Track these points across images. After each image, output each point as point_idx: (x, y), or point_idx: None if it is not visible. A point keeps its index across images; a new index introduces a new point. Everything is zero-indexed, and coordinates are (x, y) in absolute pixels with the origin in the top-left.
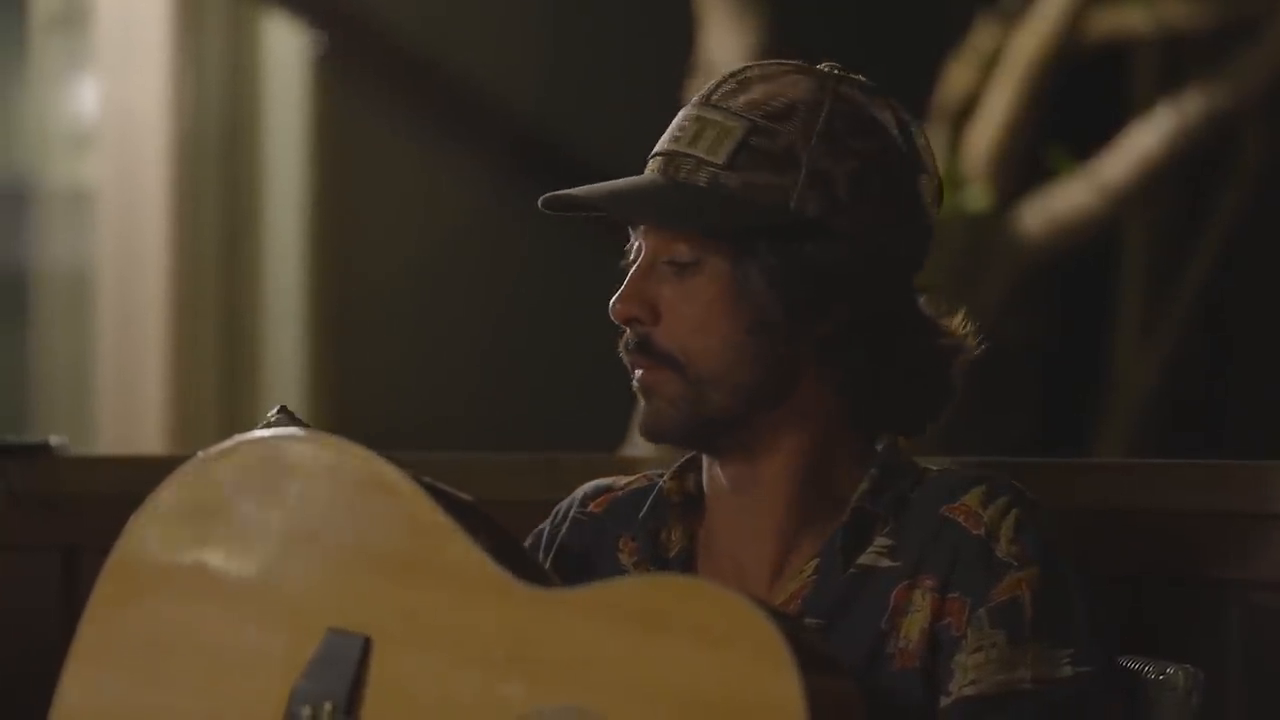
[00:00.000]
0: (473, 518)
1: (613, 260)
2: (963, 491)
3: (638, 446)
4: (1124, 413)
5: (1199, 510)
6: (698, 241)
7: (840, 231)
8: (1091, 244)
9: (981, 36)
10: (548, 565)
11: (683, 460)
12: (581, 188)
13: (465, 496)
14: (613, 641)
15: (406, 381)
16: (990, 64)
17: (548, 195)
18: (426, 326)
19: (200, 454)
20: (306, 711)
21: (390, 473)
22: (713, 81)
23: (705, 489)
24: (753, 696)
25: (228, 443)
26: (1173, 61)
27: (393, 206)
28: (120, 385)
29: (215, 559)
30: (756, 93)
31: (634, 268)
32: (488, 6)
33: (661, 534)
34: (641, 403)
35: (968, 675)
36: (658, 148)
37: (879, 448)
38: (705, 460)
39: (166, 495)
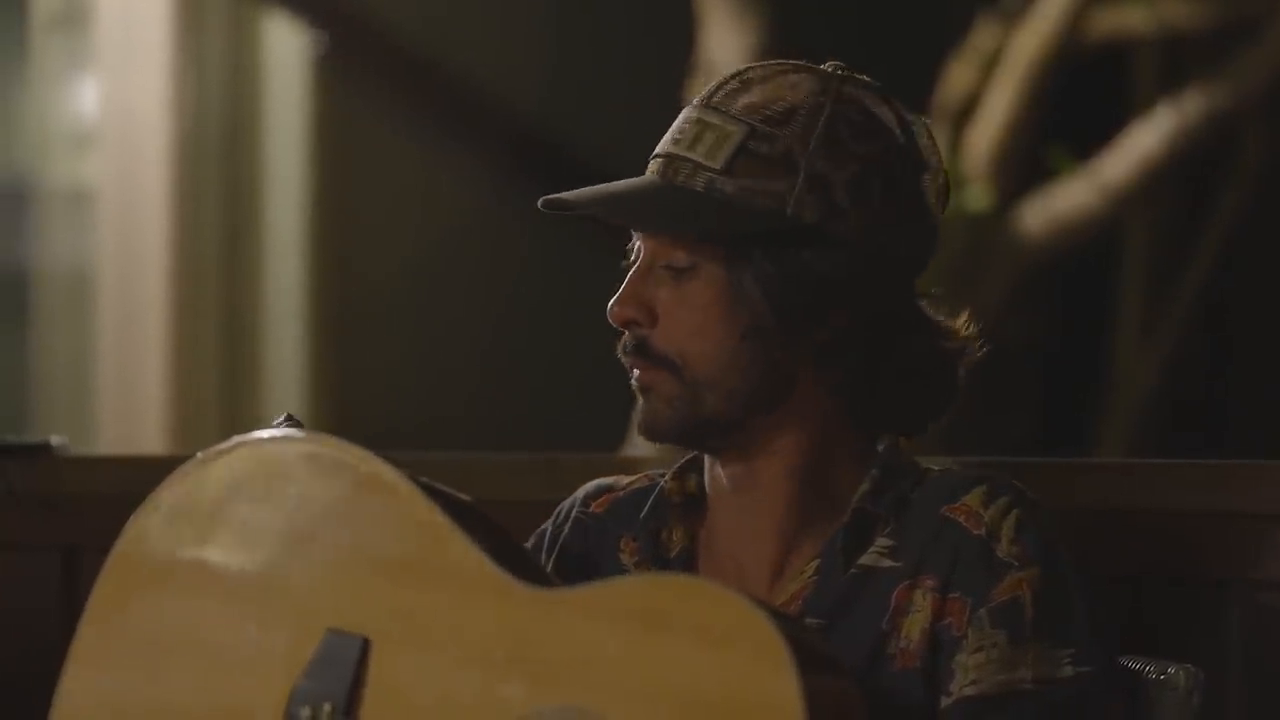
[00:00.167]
0: (472, 518)
1: (613, 260)
2: (964, 492)
3: (638, 446)
4: (1124, 413)
5: (1199, 510)
6: (694, 247)
7: (839, 237)
8: (1092, 244)
9: (982, 36)
10: (550, 565)
11: (684, 460)
12: (581, 190)
13: (464, 497)
14: (613, 641)
15: (406, 381)
16: (991, 64)
17: (547, 198)
18: (426, 326)
19: (200, 454)
20: (306, 712)
21: (389, 473)
22: (714, 82)
23: (707, 489)
24: (753, 696)
25: (227, 443)
26: (1173, 61)
27: (393, 206)
28: (120, 385)
29: (215, 559)
30: (757, 95)
31: (632, 270)
32: (488, 6)
33: (662, 534)
34: (640, 402)
35: (968, 675)
36: (658, 149)
37: (880, 448)
38: (706, 460)
39: (166, 495)
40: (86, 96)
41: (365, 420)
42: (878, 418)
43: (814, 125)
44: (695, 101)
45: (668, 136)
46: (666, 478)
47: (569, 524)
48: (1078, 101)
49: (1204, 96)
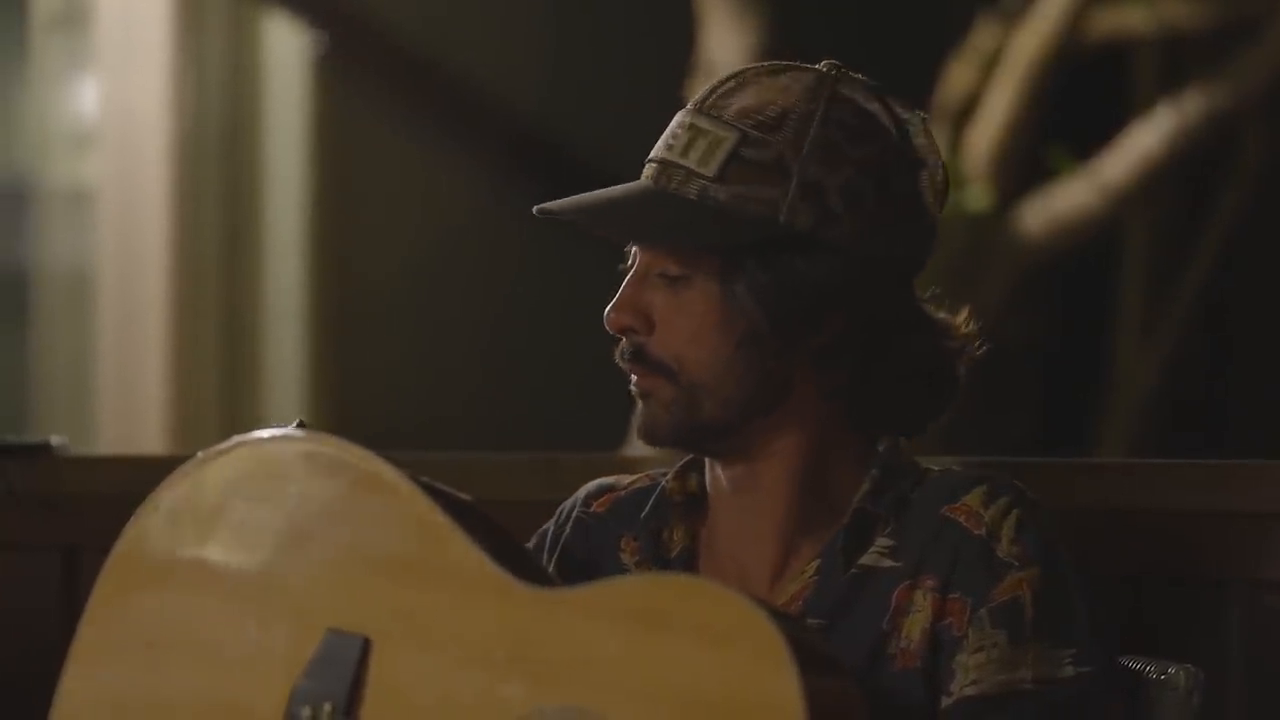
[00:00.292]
0: (472, 518)
1: (612, 259)
2: (964, 492)
3: (638, 446)
4: (1124, 413)
5: (1199, 510)
6: (687, 257)
7: (833, 243)
8: (1091, 244)
9: (982, 36)
10: (551, 565)
11: (685, 460)
12: (573, 198)
13: (464, 496)
14: (613, 641)
15: (406, 381)
16: (991, 64)
17: (541, 206)
18: (426, 326)
19: (200, 454)
20: (306, 712)
21: (389, 473)
22: (708, 85)
23: (708, 489)
24: (753, 696)
25: (227, 443)
26: (1173, 61)
27: (393, 206)
28: (120, 385)
29: (215, 558)
30: (749, 99)
31: (628, 277)
32: (488, 6)
33: (663, 534)
34: (638, 407)
35: (969, 675)
36: (653, 153)
37: (880, 448)
38: (707, 460)
39: (166, 495)
40: (86, 96)
41: (365, 420)
42: (877, 419)
43: (806, 130)
44: (689, 105)
45: (661, 141)
46: (668, 477)
47: (570, 524)
48: (1078, 101)
49: (1204, 96)
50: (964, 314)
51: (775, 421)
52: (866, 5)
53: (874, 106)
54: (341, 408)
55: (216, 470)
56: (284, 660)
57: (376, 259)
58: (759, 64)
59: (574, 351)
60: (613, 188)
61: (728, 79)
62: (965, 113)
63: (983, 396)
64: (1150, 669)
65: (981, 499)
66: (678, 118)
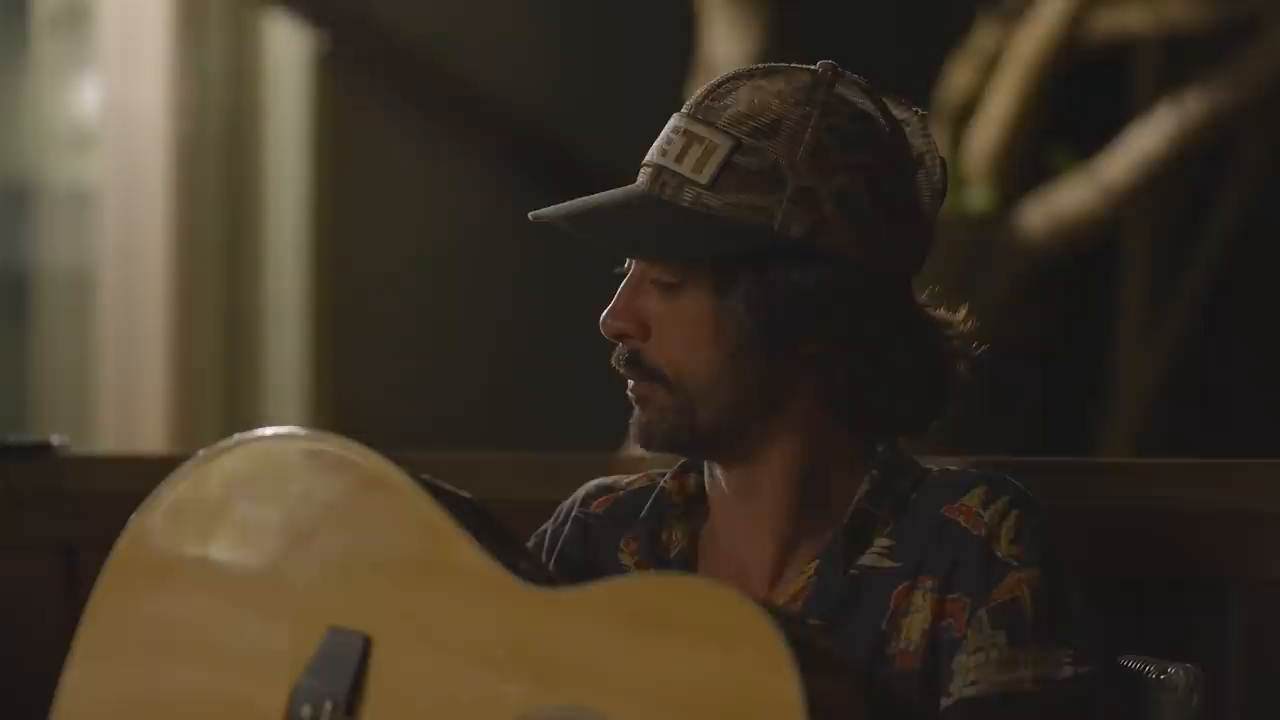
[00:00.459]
0: (474, 516)
1: (613, 259)
2: (963, 492)
3: (638, 447)
4: (1124, 413)
5: (1199, 510)
6: (681, 265)
7: (827, 250)
8: (1092, 244)
9: (982, 36)
10: (550, 565)
11: (684, 460)
12: (569, 203)
13: (466, 495)
14: (613, 640)
15: (407, 381)
16: (991, 64)
17: (535, 212)
18: (427, 326)
19: (202, 452)
20: (307, 710)
21: (391, 471)
22: (703, 88)
23: (707, 489)
24: (753, 696)
25: (229, 441)
26: (1173, 61)
27: (394, 206)
28: (121, 384)
29: (217, 556)
30: (744, 104)
31: (623, 283)
32: (489, 6)
33: (662, 534)
34: (635, 412)
35: (968, 676)
36: (648, 157)
37: (879, 448)
38: (706, 462)
39: (168, 493)
40: (87, 96)
41: (365, 420)
42: (875, 421)
43: (801, 136)
44: (683, 109)
45: (656, 145)
46: (667, 478)
47: (569, 524)
48: (1078, 101)
49: (1204, 96)
50: (963, 313)
51: (772, 425)
52: (867, 5)
53: (870, 108)
54: (341, 407)
55: (218, 468)
56: (285, 658)
57: (377, 259)
58: (754, 66)
59: (575, 351)
60: (607, 193)
61: (722, 82)
62: (965, 113)
63: (983, 396)
64: (1150, 669)
65: (981, 499)
66: (672, 121)
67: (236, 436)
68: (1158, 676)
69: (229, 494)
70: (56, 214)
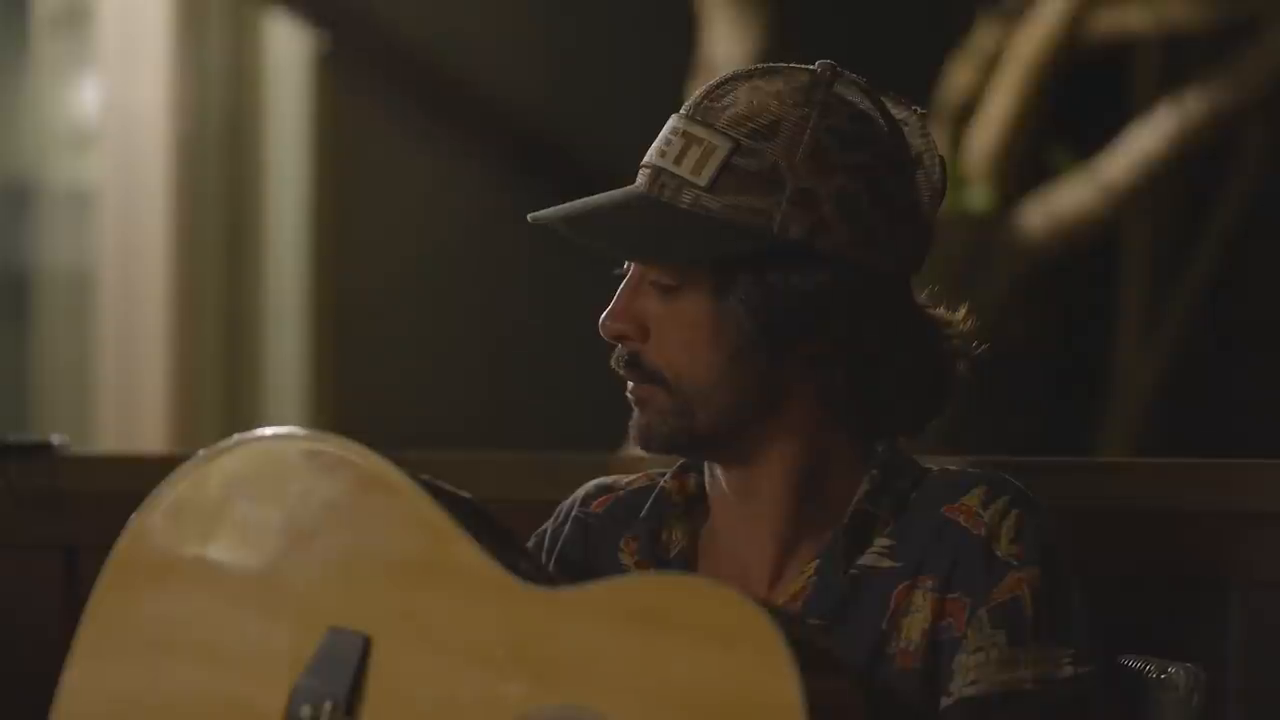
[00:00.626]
0: (474, 516)
1: (612, 261)
2: (963, 492)
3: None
4: (1124, 413)
5: (1199, 510)
6: (680, 267)
7: (826, 252)
8: (1092, 244)
9: (982, 36)
10: (550, 565)
11: (684, 460)
12: (568, 205)
13: (466, 495)
14: (614, 640)
15: (407, 381)
16: (991, 64)
17: (534, 215)
18: (427, 326)
19: (202, 452)
20: (307, 710)
21: (391, 472)
22: (702, 90)
23: (707, 489)
24: (753, 696)
25: (229, 441)
26: (1173, 61)
27: (394, 206)
28: (121, 384)
29: (217, 556)
30: (743, 105)
31: (622, 284)
32: (489, 6)
33: (662, 534)
34: (635, 413)
35: (968, 675)
36: (646, 158)
37: (879, 448)
38: (706, 462)
39: (168, 493)
40: (87, 96)
41: (365, 420)
42: (875, 421)
43: (799, 138)
44: (682, 110)
45: (655, 147)
46: (667, 477)
47: (569, 523)
48: (1078, 101)
49: (1204, 96)
50: (963, 313)
51: (772, 426)
52: (867, 5)
53: (869, 108)
54: (341, 407)
55: (218, 468)
56: (285, 658)
57: (377, 259)
58: (753, 66)
59: (575, 351)
60: (606, 194)
61: (721, 82)
62: (965, 113)
63: (983, 396)
64: (1150, 669)
65: (981, 499)
66: (671, 122)
67: (236, 436)
68: (1158, 676)
69: (229, 494)
70: (56, 214)
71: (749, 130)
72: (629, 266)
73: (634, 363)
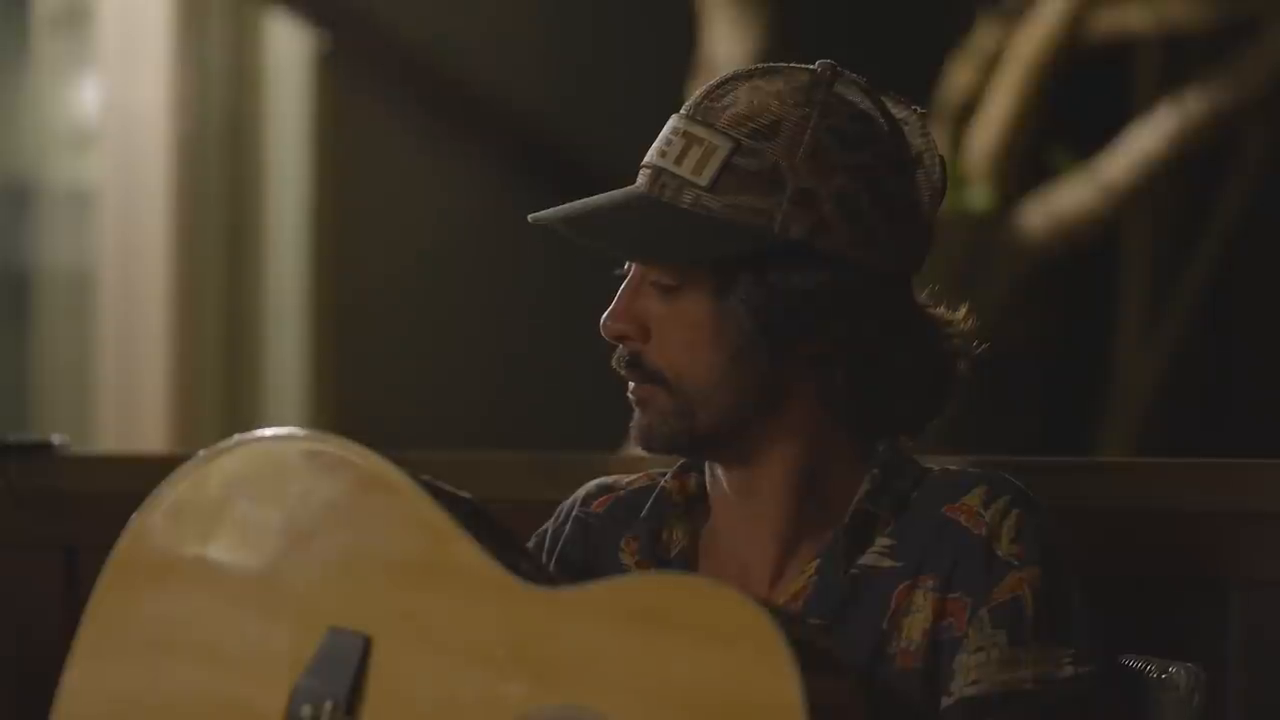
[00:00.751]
0: (474, 516)
1: (613, 261)
2: (964, 491)
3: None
4: (1124, 412)
5: (1199, 510)
6: (681, 268)
7: (827, 252)
8: (1092, 244)
9: (982, 36)
10: (550, 565)
11: (684, 460)
12: (568, 205)
13: (466, 495)
14: (614, 640)
15: (407, 381)
16: (991, 64)
17: (534, 215)
18: (427, 326)
19: (202, 452)
20: (307, 710)
21: (391, 472)
22: (702, 89)
23: (708, 489)
24: (754, 696)
25: (229, 441)
26: (1173, 61)
27: (394, 206)
28: (121, 384)
29: (217, 556)
30: (743, 105)
31: (623, 285)
32: (489, 6)
33: (662, 534)
34: (636, 413)
35: (969, 675)
36: (647, 158)
37: (880, 448)
38: (707, 462)
39: (168, 493)
40: (88, 96)
41: (365, 420)
42: (875, 421)
43: (800, 138)
44: (682, 110)
45: (655, 147)
46: (668, 477)
47: (569, 523)
48: (1078, 101)
49: (1204, 96)
50: (963, 312)
51: (772, 427)
52: (867, 5)
53: (869, 108)
54: (341, 407)
55: (218, 469)
56: (285, 658)
57: (377, 259)
58: (753, 66)
59: (575, 350)
60: (606, 194)
61: (722, 82)
62: (965, 113)
63: (983, 396)
64: (1150, 669)
65: (981, 499)
66: (671, 122)
67: (236, 437)
68: (1158, 676)
69: (229, 494)
70: (56, 214)
71: (749, 130)
72: (629, 267)
73: (635, 363)
